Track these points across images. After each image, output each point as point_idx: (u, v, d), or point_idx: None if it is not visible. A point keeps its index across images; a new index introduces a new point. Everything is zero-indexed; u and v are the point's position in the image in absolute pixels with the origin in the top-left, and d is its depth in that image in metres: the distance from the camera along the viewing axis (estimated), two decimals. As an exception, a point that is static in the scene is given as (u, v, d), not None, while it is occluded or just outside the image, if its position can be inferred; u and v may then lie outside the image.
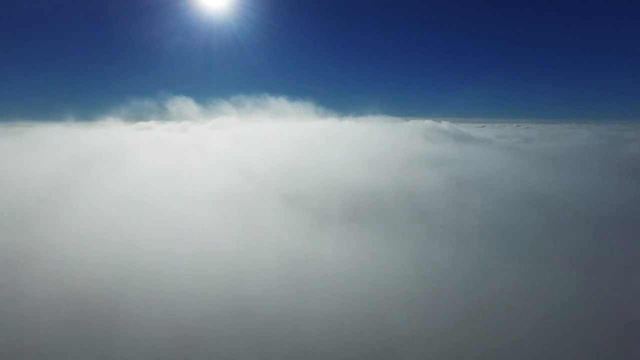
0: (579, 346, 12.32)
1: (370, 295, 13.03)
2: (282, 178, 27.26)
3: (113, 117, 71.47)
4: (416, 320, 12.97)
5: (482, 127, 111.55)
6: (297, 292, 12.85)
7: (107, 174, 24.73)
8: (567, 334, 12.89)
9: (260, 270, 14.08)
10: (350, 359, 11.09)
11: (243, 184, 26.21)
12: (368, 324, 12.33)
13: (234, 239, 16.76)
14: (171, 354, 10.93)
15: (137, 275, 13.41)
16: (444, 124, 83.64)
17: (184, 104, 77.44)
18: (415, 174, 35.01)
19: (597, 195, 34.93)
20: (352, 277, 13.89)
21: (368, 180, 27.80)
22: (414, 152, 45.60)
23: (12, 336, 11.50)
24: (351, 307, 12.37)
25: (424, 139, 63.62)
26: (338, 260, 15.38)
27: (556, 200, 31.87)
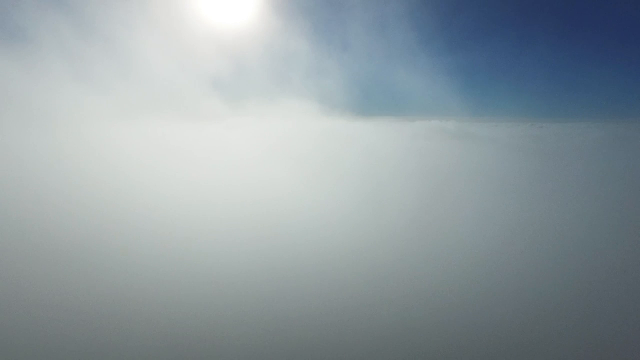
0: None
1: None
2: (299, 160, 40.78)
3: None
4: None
5: (495, 126, 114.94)
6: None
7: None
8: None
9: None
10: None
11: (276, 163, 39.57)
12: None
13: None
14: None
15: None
16: (450, 124, 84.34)
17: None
18: (397, 164, 43.72)
19: (551, 188, 36.99)
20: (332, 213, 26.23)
21: (356, 164, 40.16)
22: (406, 149, 53.20)
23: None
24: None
25: (424, 138, 70.61)
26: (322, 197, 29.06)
27: (525, 192, 35.05)
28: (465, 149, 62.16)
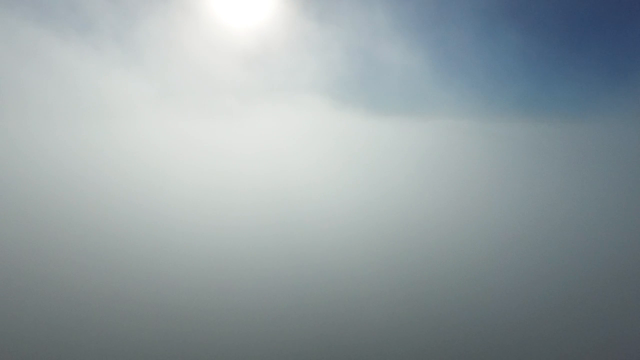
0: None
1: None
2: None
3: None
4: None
5: (511, 125, 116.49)
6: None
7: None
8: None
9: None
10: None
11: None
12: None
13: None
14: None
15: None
16: (464, 123, 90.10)
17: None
18: (415, 161, 48.15)
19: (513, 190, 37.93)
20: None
21: (357, 155, 48.04)
22: (424, 147, 56.33)
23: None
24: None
25: (440, 137, 73.72)
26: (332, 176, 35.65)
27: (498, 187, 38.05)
28: (482, 147, 63.74)
